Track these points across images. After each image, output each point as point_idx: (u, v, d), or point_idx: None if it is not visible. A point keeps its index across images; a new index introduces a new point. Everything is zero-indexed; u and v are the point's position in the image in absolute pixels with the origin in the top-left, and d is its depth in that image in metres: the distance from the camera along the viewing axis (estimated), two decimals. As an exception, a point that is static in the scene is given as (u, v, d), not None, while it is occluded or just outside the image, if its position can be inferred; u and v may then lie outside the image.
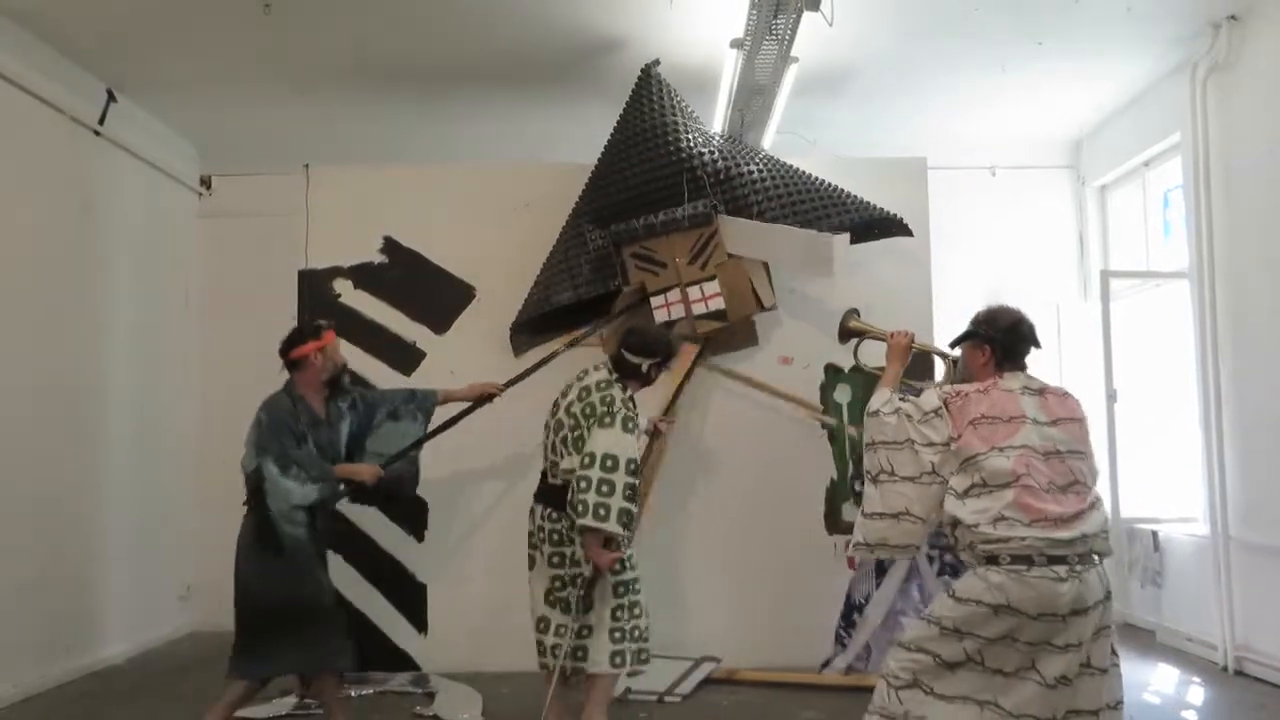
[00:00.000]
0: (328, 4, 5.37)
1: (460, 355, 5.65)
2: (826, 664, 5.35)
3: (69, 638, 5.76)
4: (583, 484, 3.73)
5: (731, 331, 5.62)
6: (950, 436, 3.06)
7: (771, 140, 6.50)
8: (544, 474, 4.11)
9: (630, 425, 3.88)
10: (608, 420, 3.83)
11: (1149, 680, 5.49)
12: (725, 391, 5.77)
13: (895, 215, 5.57)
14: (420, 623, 5.68)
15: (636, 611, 3.96)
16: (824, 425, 5.62)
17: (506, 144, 7.27)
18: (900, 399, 3.21)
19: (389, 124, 7.05)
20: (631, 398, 4.01)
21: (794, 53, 5.24)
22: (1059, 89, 6.62)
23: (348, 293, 5.87)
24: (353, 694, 5.21)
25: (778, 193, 5.46)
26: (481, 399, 4.74)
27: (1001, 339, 3.23)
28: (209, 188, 7.71)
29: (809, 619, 5.42)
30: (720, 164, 5.44)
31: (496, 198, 5.93)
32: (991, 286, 6.85)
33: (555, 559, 3.98)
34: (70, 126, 5.96)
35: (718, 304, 5.38)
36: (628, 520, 3.75)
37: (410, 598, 5.68)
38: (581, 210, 5.65)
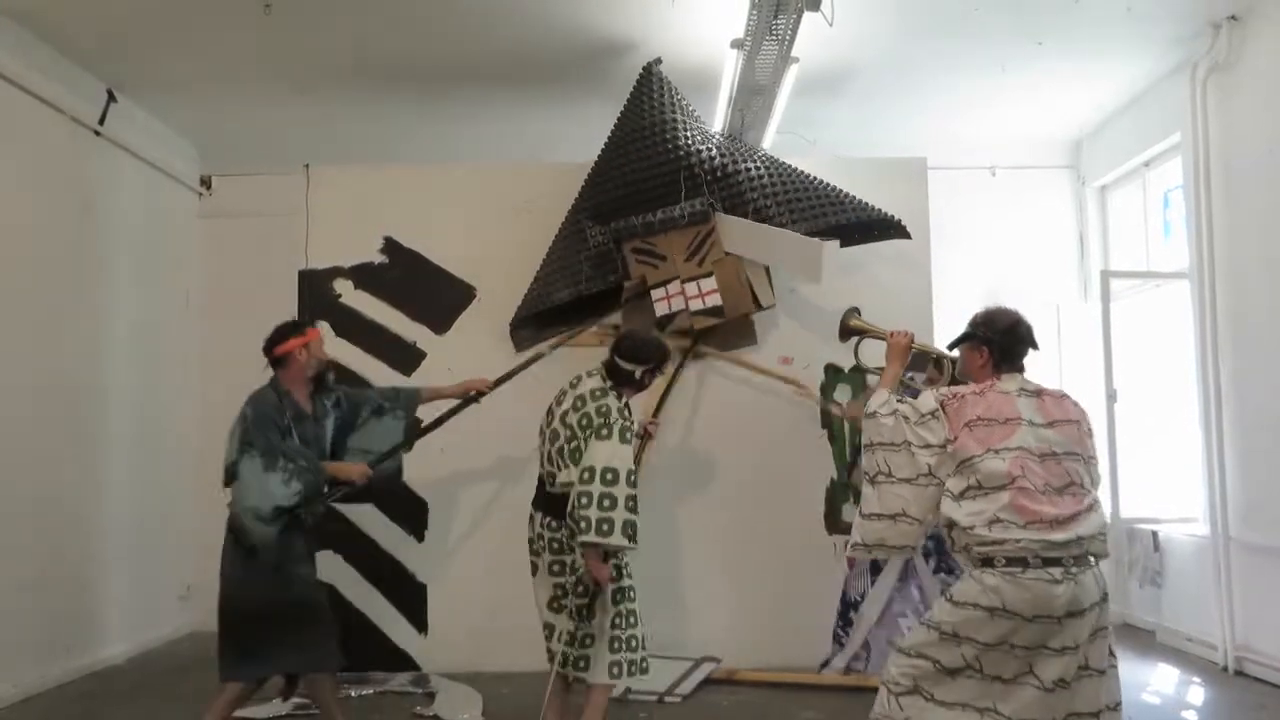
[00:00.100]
0: (328, 4, 5.37)
1: (460, 355, 5.65)
2: (826, 664, 5.36)
3: (69, 638, 5.76)
4: (583, 499, 3.68)
5: (731, 330, 5.63)
6: (947, 438, 3.06)
7: (772, 140, 6.50)
8: (541, 480, 4.07)
9: (628, 436, 3.83)
10: (605, 432, 3.77)
11: (1149, 680, 5.49)
12: (726, 392, 5.77)
13: (893, 217, 5.57)
14: (420, 623, 5.68)
15: (632, 620, 3.94)
16: (830, 411, 5.60)
17: (506, 144, 7.27)
18: (898, 400, 3.21)
19: (389, 124, 7.06)
20: (627, 405, 3.96)
21: (794, 53, 5.24)
22: (1059, 89, 6.62)
23: (348, 293, 5.87)
24: (353, 694, 5.22)
25: (775, 191, 5.47)
26: (469, 398, 4.70)
27: (999, 340, 3.23)
28: (209, 188, 7.71)
29: (808, 619, 5.42)
30: (719, 162, 5.46)
31: (496, 198, 5.93)
32: (991, 287, 6.86)
33: (556, 567, 3.96)
34: (70, 126, 5.96)
35: (714, 300, 5.39)
36: (633, 532, 3.71)
37: (410, 598, 5.69)
38: (580, 207, 5.67)
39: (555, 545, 3.93)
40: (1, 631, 5.16)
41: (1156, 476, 6.72)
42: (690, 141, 5.44)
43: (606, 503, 3.66)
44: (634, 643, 3.93)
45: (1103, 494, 3.18)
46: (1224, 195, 5.74)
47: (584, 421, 3.82)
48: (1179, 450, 6.48)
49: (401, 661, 5.60)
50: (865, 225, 5.60)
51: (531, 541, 4.05)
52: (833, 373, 5.71)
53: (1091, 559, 2.95)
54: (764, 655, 5.50)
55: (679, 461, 5.74)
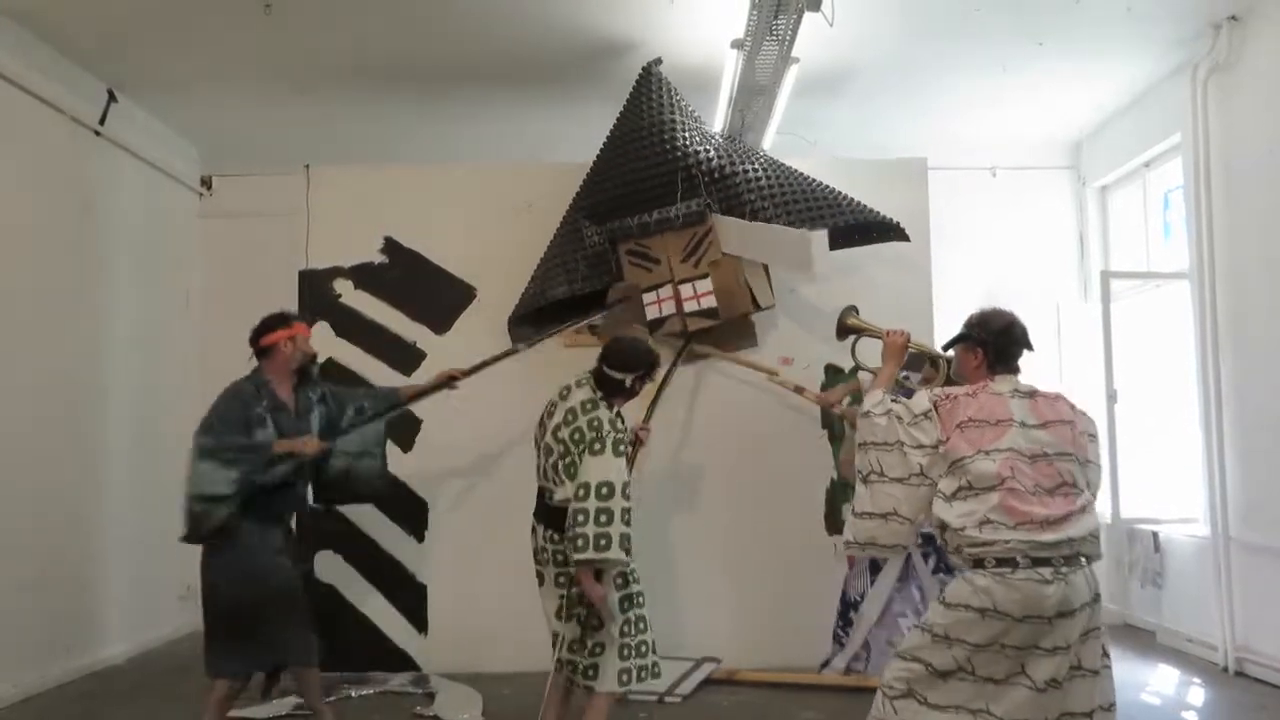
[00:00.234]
0: (328, 4, 5.37)
1: (460, 355, 5.59)
2: (826, 664, 5.36)
3: (69, 638, 5.76)
4: (579, 517, 3.64)
5: (731, 332, 5.62)
6: (939, 439, 3.06)
7: (772, 141, 6.50)
8: (541, 492, 4.03)
9: (621, 448, 3.78)
10: (598, 446, 3.73)
11: (1149, 681, 5.49)
12: (725, 392, 5.78)
13: (892, 220, 5.56)
14: (420, 623, 5.69)
15: (642, 626, 3.91)
16: (831, 410, 5.57)
17: (506, 144, 7.27)
18: (892, 400, 3.22)
19: (389, 124, 7.05)
20: (619, 414, 3.92)
21: (795, 53, 5.24)
22: (1059, 89, 6.62)
23: (348, 293, 5.87)
24: (353, 694, 5.21)
25: (772, 192, 5.47)
26: (442, 383, 4.73)
27: (994, 342, 3.23)
28: (209, 188, 7.72)
29: (809, 619, 5.42)
30: (716, 162, 5.45)
31: (496, 198, 5.94)
32: (992, 287, 6.85)
33: (562, 579, 3.92)
34: (70, 126, 5.96)
35: (709, 302, 5.39)
36: (628, 545, 3.69)
37: (410, 598, 5.69)
38: (578, 206, 5.67)
39: (560, 558, 3.89)
40: (1, 631, 5.16)
41: (1156, 477, 6.72)
42: (688, 142, 5.44)
43: (603, 518, 3.63)
44: (644, 648, 3.91)
45: (1103, 494, 3.17)
46: (1224, 196, 5.74)
47: (576, 436, 3.78)
48: (1179, 450, 6.48)
49: (401, 661, 5.61)
50: (864, 227, 5.60)
51: (536, 553, 4.02)
52: (833, 373, 5.71)
53: (1083, 560, 2.95)
54: (764, 655, 5.50)
55: (679, 462, 5.73)
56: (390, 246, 5.91)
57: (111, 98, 6.34)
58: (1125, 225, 7.46)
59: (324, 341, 5.77)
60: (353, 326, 5.83)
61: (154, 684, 5.67)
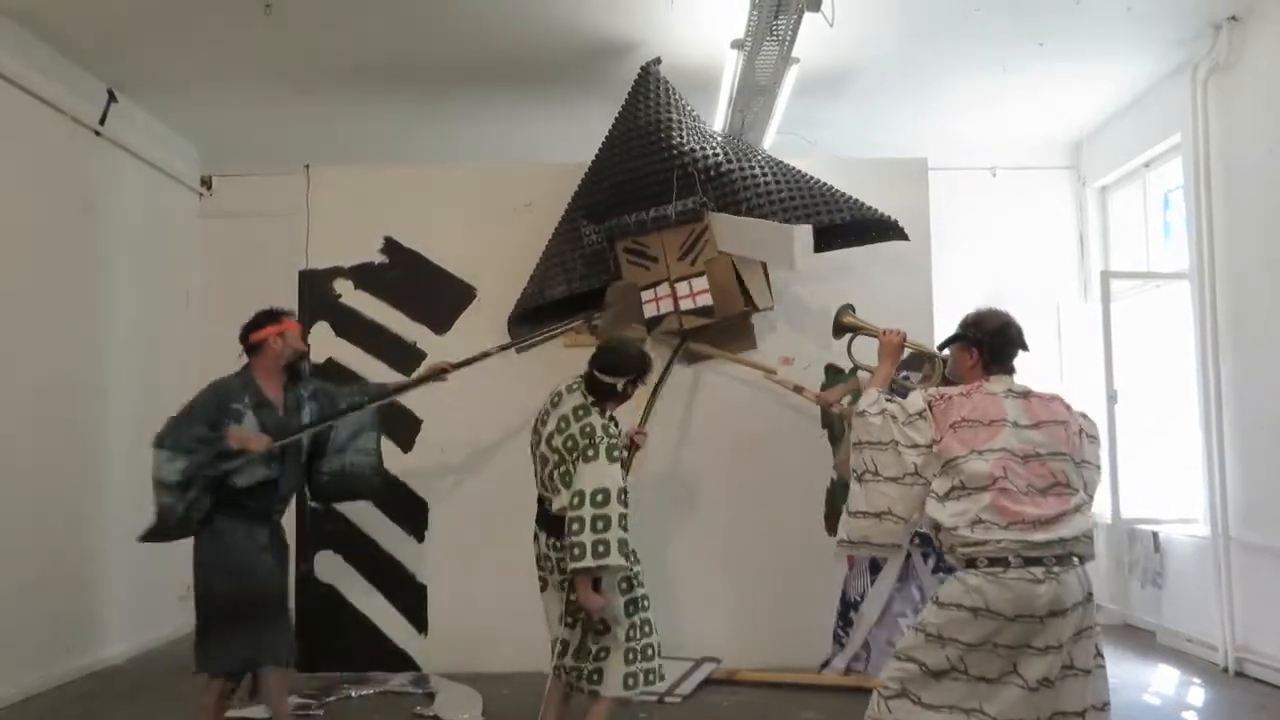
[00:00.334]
0: (328, 4, 5.37)
1: (460, 355, 5.62)
2: (826, 664, 5.35)
3: (69, 638, 5.76)
4: (575, 525, 3.61)
5: (729, 333, 5.62)
6: (933, 439, 3.07)
7: (772, 141, 6.51)
8: (541, 500, 4.00)
9: (615, 454, 3.74)
10: (591, 453, 3.69)
11: (1149, 681, 5.49)
12: (725, 392, 5.78)
13: (891, 219, 5.56)
14: (420, 623, 5.69)
15: (647, 630, 3.90)
16: (831, 410, 5.56)
17: (506, 144, 7.27)
18: (887, 399, 3.22)
19: (389, 124, 7.06)
20: (612, 419, 3.88)
21: (795, 53, 5.25)
22: (1059, 89, 6.62)
23: (348, 293, 5.87)
24: (353, 694, 5.22)
25: (768, 190, 5.46)
26: (431, 375, 4.71)
27: (989, 342, 3.23)
28: (209, 188, 7.72)
29: (809, 619, 5.42)
30: (712, 160, 5.45)
31: (496, 198, 5.94)
32: (992, 287, 6.87)
33: (565, 585, 3.89)
34: (70, 126, 5.96)
35: (705, 300, 5.40)
36: (628, 550, 3.66)
37: (410, 598, 5.69)
38: (576, 205, 5.68)
39: (562, 565, 3.84)
40: (1, 631, 5.16)
41: (1157, 477, 6.72)
42: (684, 141, 5.44)
43: (600, 524, 3.60)
44: (650, 651, 3.89)
45: (1103, 494, 3.17)
46: (1224, 196, 5.74)
47: (569, 444, 3.75)
48: (1179, 450, 6.48)
49: (401, 661, 5.61)
50: (863, 226, 5.59)
51: (539, 560, 3.99)
52: (833, 373, 5.71)
53: (1075, 559, 2.96)
54: (764, 655, 5.51)
55: (679, 462, 5.73)
56: (390, 246, 5.91)
57: (111, 98, 6.34)
58: (1125, 225, 7.46)
59: (324, 341, 5.79)
60: (353, 326, 5.83)
61: (154, 684, 5.67)
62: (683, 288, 5.41)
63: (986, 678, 2.92)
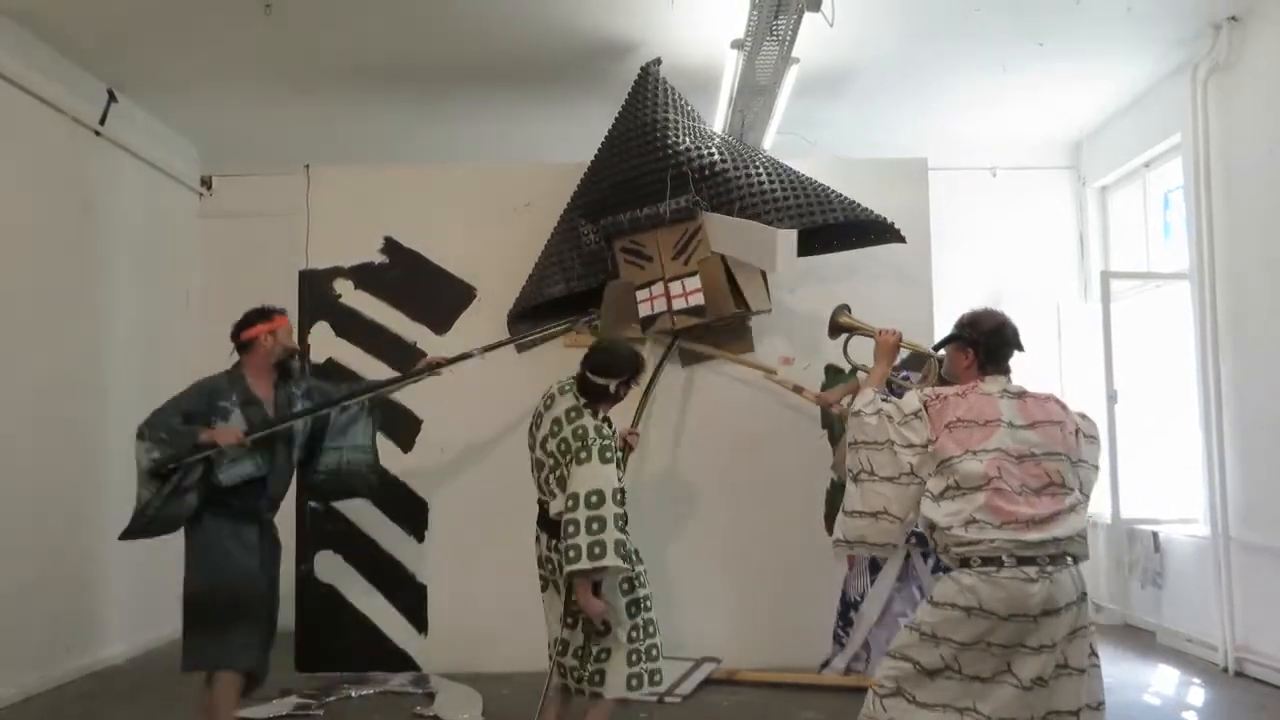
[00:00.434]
0: (328, 4, 5.37)
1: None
2: (826, 664, 5.35)
3: (69, 638, 5.76)
4: (570, 528, 3.60)
5: (727, 335, 5.62)
6: (928, 439, 3.07)
7: (772, 141, 6.51)
8: (540, 503, 3.99)
9: (609, 455, 3.72)
10: (584, 455, 3.68)
11: (1149, 681, 5.48)
12: (723, 392, 5.77)
13: (887, 220, 5.54)
14: (420, 623, 5.69)
15: (650, 630, 3.89)
16: (837, 405, 5.54)
17: (506, 144, 7.27)
18: (883, 399, 3.22)
19: (389, 124, 7.06)
20: (606, 420, 3.85)
21: (795, 53, 5.25)
22: (1059, 89, 6.62)
23: (348, 293, 5.87)
24: (353, 694, 5.22)
25: (763, 190, 5.45)
26: (425, 370, 4.69)
27: (985, 342, 3.24)
28: (209, 188, 7.71)
29: (808, 619, 5.42)
30: (708, 160, 5.45)
31: (496, 198, 5.94)
32: (992, 287, 6.87)
33: (566, 586, 3.89)
34: (70, 126, 5.96)
35: (697, 299, 5.40)
36: (626, 551, 3.65)
37: (410, 598, 5.69)
38: (575, 205, 5.69)
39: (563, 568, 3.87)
40: (1, 631, 5.16)
41: (1157, 477, 6.72)
42: (680, 140, 5.45)
43: (595, 526, 3.58)
44: (654, 652, 3.88)
45: (1103, 494, 3.17)
46: (1224, 196, 5.74)
47: (563, 447, 3.75)
48: (1179, 450, 6.48)
49: (401, 661, 5.61)
50: (863, 228, 5.59)
51: (540, 562, 3.99)
52: (833, 373, 5.70)
53: (1069, 559, 2.96)
54: (764, 655, 5.51)
55: (678, 462, 5.74)
56: (390, 246, 5.91)
57: (111, 98, 6.34)
58: (1125, 225, 7.46)
59: (324, 341, 5.79)
60: (353, 326, 5.83)
61: (154, 684, 5.67)
62: (676, 287, 5.42)
63: (980, 677, 2.93)
